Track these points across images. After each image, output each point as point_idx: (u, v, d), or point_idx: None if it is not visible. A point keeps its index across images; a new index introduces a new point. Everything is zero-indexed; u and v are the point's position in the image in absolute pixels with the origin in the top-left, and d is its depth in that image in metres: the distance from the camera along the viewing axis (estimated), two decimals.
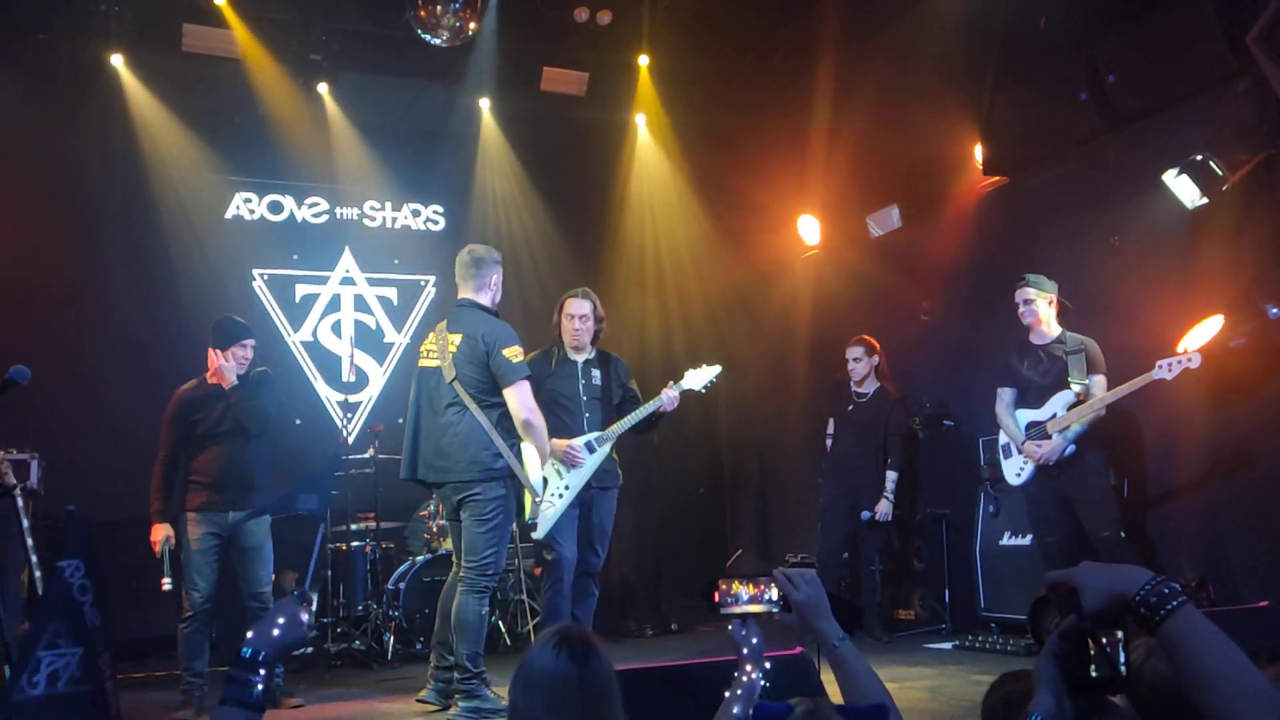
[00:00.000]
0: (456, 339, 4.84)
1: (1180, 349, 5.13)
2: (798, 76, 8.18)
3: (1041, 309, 5.54)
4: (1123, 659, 1.47)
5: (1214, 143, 5.16)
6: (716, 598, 2.15)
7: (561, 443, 5.39)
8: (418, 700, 4.92)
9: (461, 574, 4.80)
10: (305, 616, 1.86)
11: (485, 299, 4.98)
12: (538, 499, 5.12)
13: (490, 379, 4.75)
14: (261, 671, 1.76)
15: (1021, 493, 5.76)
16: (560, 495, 5.42)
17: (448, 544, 6.97)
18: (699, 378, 5.69)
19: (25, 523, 3.80)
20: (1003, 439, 5.83)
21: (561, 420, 5.49)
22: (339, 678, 6.19)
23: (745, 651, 2.14)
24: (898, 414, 6.88)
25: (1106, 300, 5.86)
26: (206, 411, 5.26)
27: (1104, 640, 1.46)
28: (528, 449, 4.92)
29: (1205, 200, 5.20)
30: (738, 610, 2.15)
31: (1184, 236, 5.52)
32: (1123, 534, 5.32)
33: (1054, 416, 5.45)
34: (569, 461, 5.43)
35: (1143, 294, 5.73)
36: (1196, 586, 5.41)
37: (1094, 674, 1.46)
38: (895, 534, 7.02)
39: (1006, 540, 6.35)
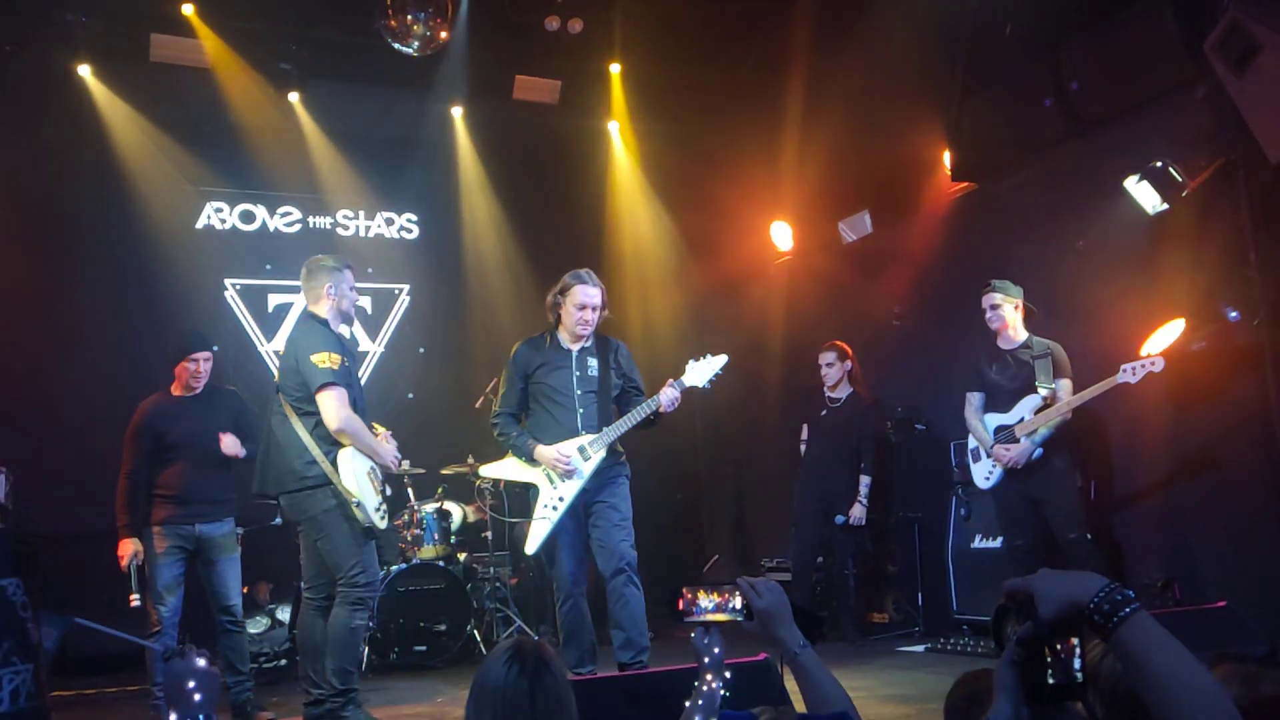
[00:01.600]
0: (283, 349, 4.87)
1: (1143, 353, 5.20)
2: (769, 83, 8.23)
3: (1008, 314, 5.61)
4: (1078, 665, 1.48)
5: (1173, 149, 5.24)
6: (680, 605, 2.17)
7: (550, 451, 4.90)
8: None
9: (337, 589, 4.58)
10: (200, 662, 1.73)
11: (322, 308, 4.76)
12: (353, 501, 4.54)
13: (305, 387, 4.56)
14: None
15: (991, 496, 5.81)
16: (554, 508, 4.91)
17: (423, 553, 6.97)
18: (702, 372, 5.05)
19: None
20: (972, 443, 5.89)
21: (553, 417, 4.99)
22: None
23: (706, 660, 2.15)
24: (871, 418, 6.93)
25: (1071, 304, 5.92)
26: (171, 424, 5.22)
27: (1060, 647, 1.48)
28: (347, 456, 4.58)
29: (1165, 206, 5.27)
30: (701, 619, 2.16)
31: (1146, 241, 5.60)
32: (1089, 536, 5.38)
33: (1021, 420, 5.51)
34: (560, 470, 4.91)
35: (1106, 298, 5.80)
36: (1162, 586, 5.48)
37: (1050, 680, 1.48)
38: (868, 538, 7.07)
39: (978, 543, 6.41)
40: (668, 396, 4.89)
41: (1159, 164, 5.16)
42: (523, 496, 6.51)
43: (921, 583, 6.87)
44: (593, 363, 5.11)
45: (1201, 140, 5.27)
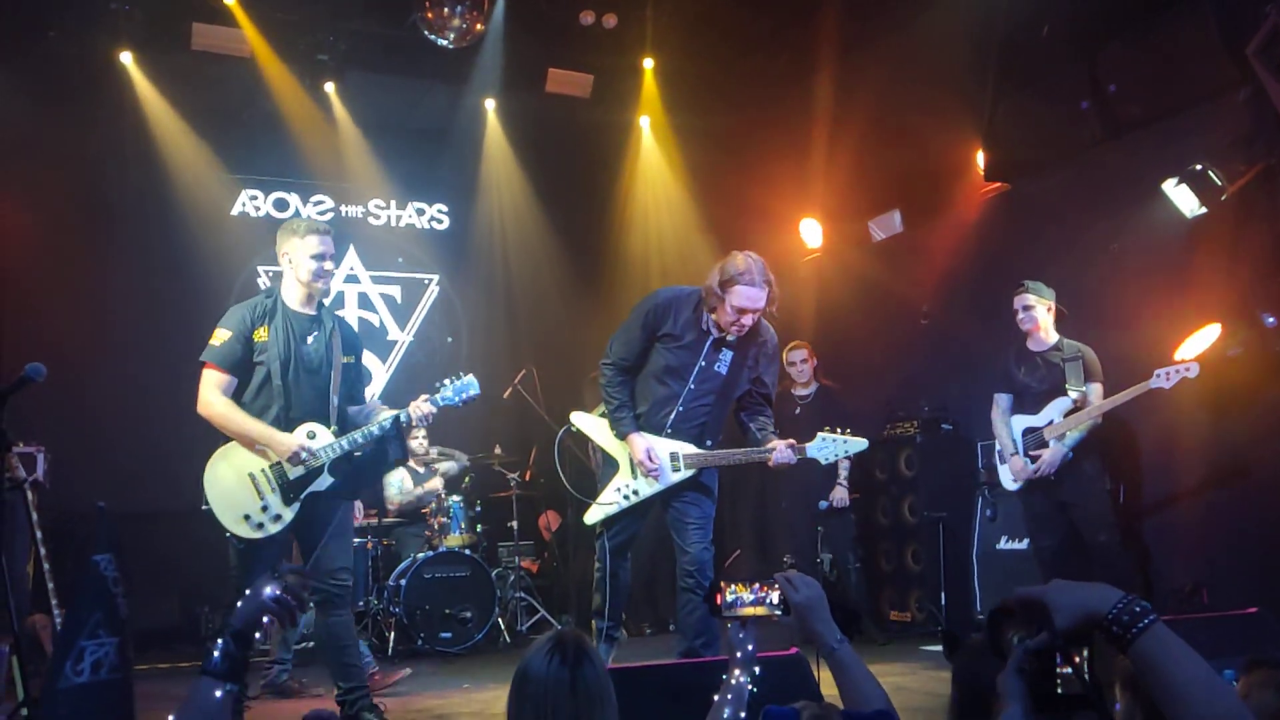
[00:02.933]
0: None
1: (1178, 358, 5.17)
2: (801, 80, 8.22)
3: (1040, 315, 5.57)
4: (1088, 676, 1.48)
5: (1213, 153, 5.21)
6: (719, 600, 2.19)
7: (640, 445, 4.44)
8: None
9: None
10: (268, 589, 1.91)
11: (283, 278, 4.37)
12: (204, 508, 4.22)
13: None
14: (220, 640, 1.83)
15: (1018, 498, 5.80)
16: (626, 498, 4.54)
17: (449, 540, 7.04)
18: (828, 450, 4.53)
19: (34, 515, 3.86)
20: (999, 444, 5.87)
21: (654, 395, 4.51)
22: None
23: (738, 655, 2.16)
24: (844, 404, 7.00)
25: (1105, 308, 5.90)
26: None
27: (1073, 658, 1.47)
28: (223, 453, 4.24)
29: (1204, 210, 5.24)
30: (740, 612, 2.18)
31: (1182, 245, 5.56)
32: (1119, 539, 5.36)
33: (1051, 423, 5.49)
34: (643, 470, 4.49)
35: (1141, 302, 5.77)
36: (1190, 592, 5.45)
37: (1061, 691, 1.48)
38: (855, 523, 7.06)
39: (1003, 544, 6.40)
40: (782, 455, 4.40)
41: (1198, 167, 5.13)
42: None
43: (945, 582, 6.85)
44: (726, 356, 4.48)
45: (1241, 145, 5.24)
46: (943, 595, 6.85)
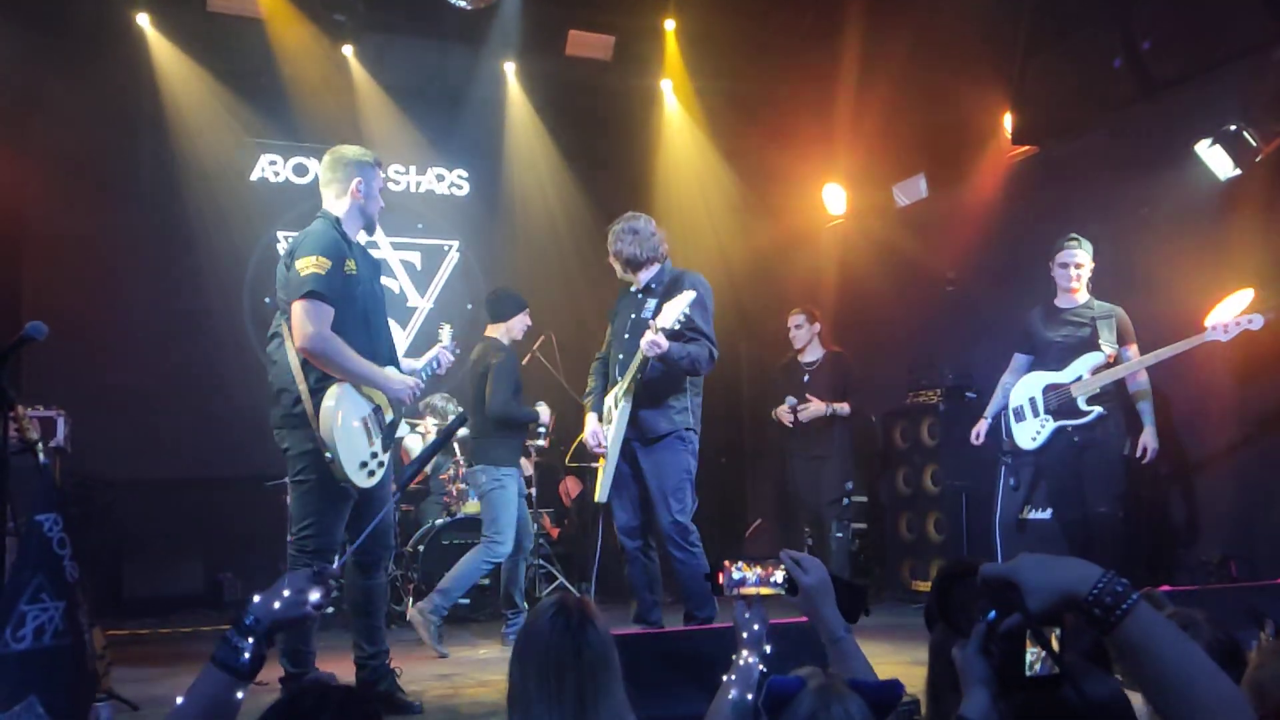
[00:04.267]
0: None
1: (1209, 323, 5.01)
2: (825, 42, 8.06)
3: (1085, 274, 5.37)
4: (1057, 656, 1.38)
5: (1248, 112, 5.04)
6: (720, 578, 2.13)
7: (587, 427, 4.86)
8: None
9: (289, 551, 4.02)
10: (315, 595, 1.82)
11: (340, 206, 4.04)
12: (327, 455, 3.82)
13: None
14: (252, 639, 1.73)
15: (1034, 457, 5.61)
16: (605, 454, 4.75)
17: (467, 507, 7.02)
18: (669, 313, 4.45)
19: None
20: (1014, 402, 5.65)
21: (613, 364, 4.87)
22: None
23: (745, 636, 2.11)
24: (854, 370, 6.94)
25: (1135, 272, 5.76)
26: None
27: (1045, 638, 1.37)
28: (334, 396, 3.82)
29: (1238, 171, 5.09)
30: (742, 591, 2.13)
31: (1215, 208, 5.42)
32: (1121, 514, 5.20)
33: (1080, 379, 5.32)
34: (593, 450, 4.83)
35: (1172, 266, 5.63)
36: (1219, 563, 5.36)
37: (1030, 673, 1.38)
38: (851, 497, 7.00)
39: (1027, 514, 6.30)
40: (646, 340, 4.41)
41: (1233, 128, 4.98)
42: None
43: (967, 552, 6.78)
44: (651, 305, 4.67)
45: (1277, 105, 5.07)
46: None
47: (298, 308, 3.75)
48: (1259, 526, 5.34)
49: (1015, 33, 6.55)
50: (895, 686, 1.72)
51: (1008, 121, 6.76)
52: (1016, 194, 6.92)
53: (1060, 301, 5.48)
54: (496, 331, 6.22)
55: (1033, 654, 1.37)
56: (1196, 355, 5.03)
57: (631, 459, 4.67)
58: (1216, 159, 5.14)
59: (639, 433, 4.62)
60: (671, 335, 4.45)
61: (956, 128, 7.25)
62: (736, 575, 2.11)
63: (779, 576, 2.09)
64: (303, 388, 3.81)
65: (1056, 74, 6.35)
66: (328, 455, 3.79)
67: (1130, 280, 5.71)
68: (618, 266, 4.92)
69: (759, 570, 2.10)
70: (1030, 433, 5.55)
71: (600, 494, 4.73)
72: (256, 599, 1.78)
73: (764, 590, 2.10)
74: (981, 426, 5.70)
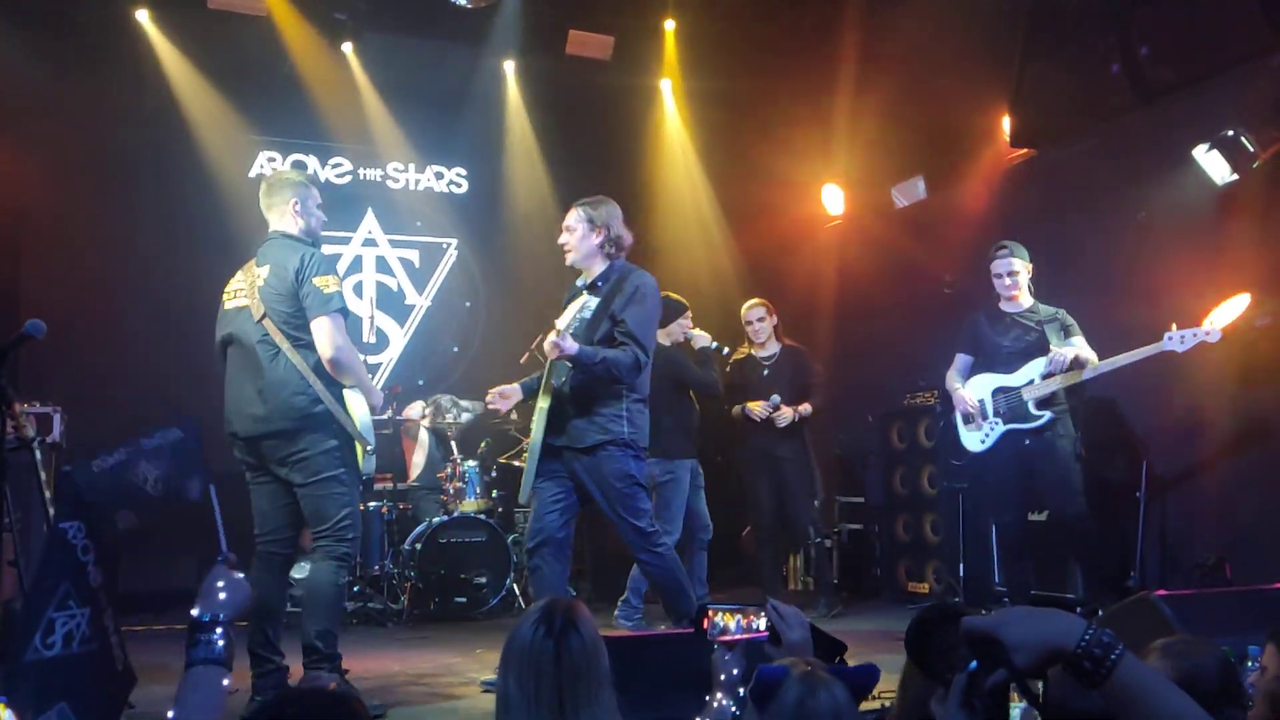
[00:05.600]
0: (264, 272, 4.23)
1: (1204, 326, 5.03)
2: (825, 42, 8.08)
3: (1023, 280, 5.42)
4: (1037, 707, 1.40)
5: (1245, 120, 5.06)
6: (705, 625, 2.15)
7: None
8: None
9: (317, 543, 4.17)
10: (240, 575, 1.95)
11: (294, 227, 4.33)
12: (369, 449, 4.29)
13: (303, 314, 4.13)
14: (219, 630, 1.83)
15: (985, 459, 5.54)
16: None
17: (465, 506, 7.03)
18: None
19: (43, 476, 3.86)
20: (961, 406, 5.64)
21: None
22: (355, 636, 6.26)
23: (722, 678, 2.13)
24: (811, 363, 6.81)
25: (1131, 277, 5.79)
26: None
27: (1029, 690, 1.38)
28: (355, 396, 4.27)
29: (1235, 176, 5.11)
30: (725, 640, 2.14)
31: (1212, 213, 5.44)
32: (1085, 511, 5.21)
33: (1031, 383, 5.31)
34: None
35: (1168, 271, 5.65)
36: (1213, 566, 5.37)
37: None
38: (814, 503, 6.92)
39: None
40: (548, 341, 4.27)
41: (1230, 133, 5.00)
42: None
43: (964, 553, 6.79)
44: (593, 303, 4.50)
45: (1275, 111, 5.10)
46: (961, 566, 6.80)
47: (327, 322, 4.10)
48: (1254, 529, 5.36)
49: (1014, 36, 6.56)
50: (871, 671, 1.75)
51: (1006, 124, 6.77)
52: (1014, 197, 6.94)
53: (1005, 306, 5.49)
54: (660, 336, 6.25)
55: (1016, 708, 1.37)
56: (1193, 358, 5.05)
57: (571, 470, 4.42)
58: (1214, 164, 5.17)
59: (570, 440, 4.40)
60: (603, 338, 4.36)
61: (955, 130, 7.26)
62: (719, 624, 2.13)
63: (761, 624, 2.10)
64: (323, 391, 4.10)
65: (1055, 78, 6.36)
66: (369, 448, 4.22)
67: (1127, 285, 5.74)
68: (587, 247, 4.54)
69: (742, 619, 2.12)
70: (980, 436, 5.52)
71: (521, 494, 4.61)
72: (199, 606, 1.87)
73: (745, 636, 2.13)
74: (962, 399, 5.58)
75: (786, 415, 6.56)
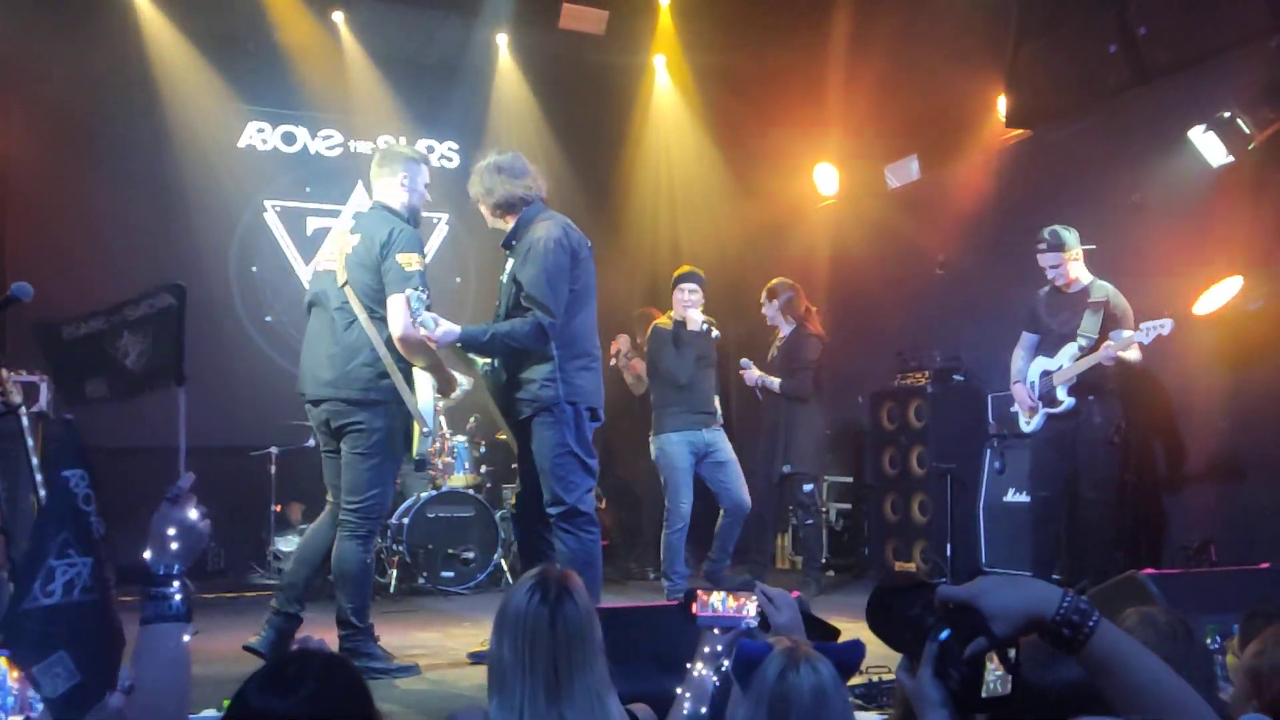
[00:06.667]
0: (354, 240, 4.27)
1: (1197, 311, 5.06)
2: (819, 19, 8.02)
3: (1070, 267, 5.38)
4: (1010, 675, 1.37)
5: (1242, 101, 5.05)
6: (694, 609, 2.14)
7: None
8: (244, 648, 4.20)
9: (342, 516, 4.23)
10: (191, 514, 1.80)
11: (395, 200, 4.37)
12: (425, 430, 4.31)
13: (383, 287, 4.16)
14: (176, 584, 1.74)
15: (1030, 439, 5.70)
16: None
17: (453, 480, 7.02)
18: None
19: (30, 442, 3.83)
20: (1016, 397, 5.70)
21: None
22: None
23: (706, 650, 2.13)
24: (805, 347, 6.61)
25: (1125, 258, 5.78)
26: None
27: (1005, 657, 1.36)
28: (425, 377, 4.32)
29: (1230, 158, 5.10)
30: (714, 622, 2.13)
31: (1206, 196, 5.44)
32: (1107, 499, 5.27)
33: (1061, 368, 5.37)
34: None
35: (1162, 253, 5.65)
36: (1198, 548, 5.40)
37: (987, 693, 1.36)
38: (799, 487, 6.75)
39: (1010, 497, 6.35)
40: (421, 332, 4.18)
41: (1227, 114, 4.98)
42: None
43: (951, 534, 6.82)
44: (509, 265, 4.42)
45: (1272, 93, 5.08)
46: (949, 547, 6.82)
47: (401, 300, 4.09)
48: (1239, 511, 5.40)
49: (1009, 16, 6.52)
50: (857, 647, 1.74)
51: (1001, 104, 6.74)
52: (1009, 178, 6.92)
53: (1065, 287, 5.48)
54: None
55: (990, 674, 1.36)
56: (1184, 341, 5.08)
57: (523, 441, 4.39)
58: (1210, 146, 5.15)
59: (509, 415, 4.39)
60: (511, 309, 4.28)
61: (949, 110, 7.23)
62: (710, 611, 2.12)
63: (751, 608, 2.09)
64: (392, 366, 4.15)
65: (1051, 58, 6.33)
66: (425, 430, 4.27)
67: (1121, 266, 5.72)
68: (487, 211, 4.51)
69: (731, 601, 2.11)
70: (1027, 415, 5.64)
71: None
72: (150, 554, 1.76)
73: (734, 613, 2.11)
74: (1020, 392, 5.59)
75: (749, 377, 6.67)
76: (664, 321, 6.23)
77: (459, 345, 4.28)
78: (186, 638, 1.73)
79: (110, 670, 1.76)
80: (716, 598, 2.13)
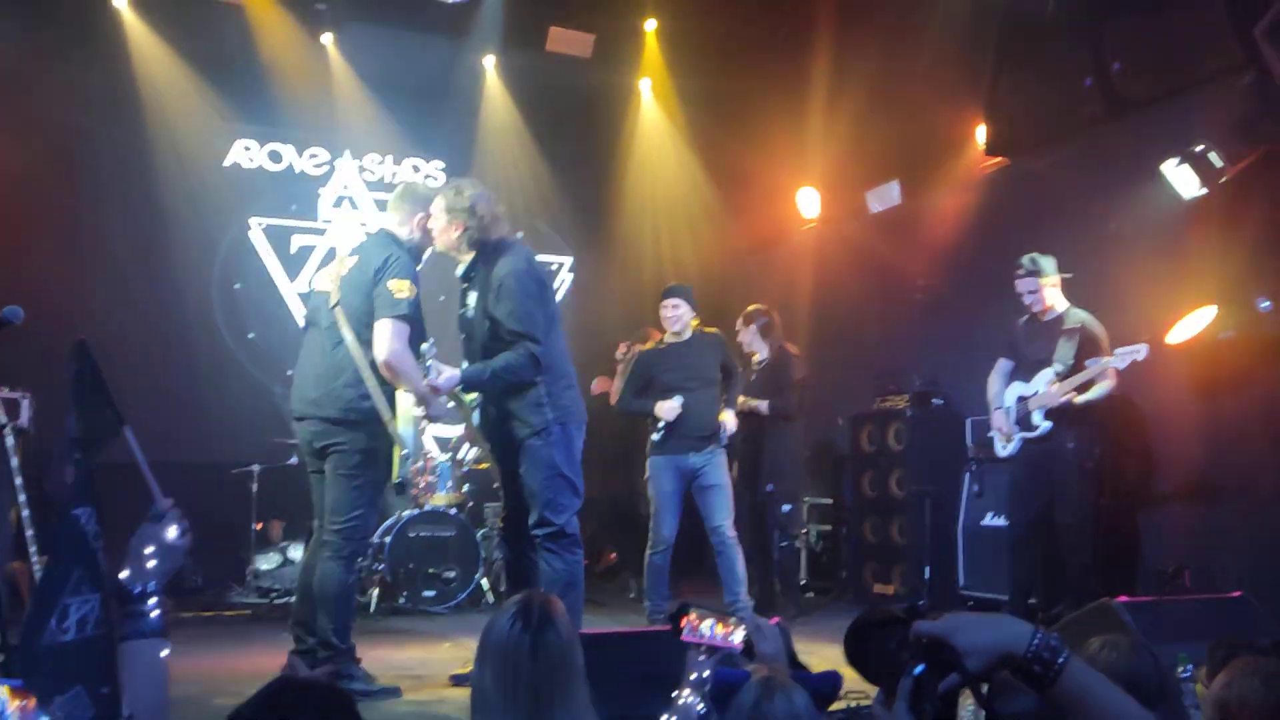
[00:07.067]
0: (351, 262, 4.36)
1: (1170, 340, 5.15)
2: (803, 46, 8.12)
3: (1048, 295, 5.47)
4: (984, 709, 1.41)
5: (1214, 136, 5.16)
6: (684, 624, 2.16)
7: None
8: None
9: (325, 537, 4.26)
10: (172, 535, 1.82)
11: (403, 231, 4.45)
12: (405, 452, 4.29)
13: (372, 311, 4.21)
14: (152, 600, 1.76)
15: (1007, 467, 5.76)
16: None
17: (435, 500, 7.03)
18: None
19: (14, 461, 3.83)
20: (993, 423, 5.76)
21: None
22: None
23: (693, 677, 2.14)
24: (789, 370, 6.61)
25: (1100, 287, 5.86)
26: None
27: (978, 692, 1.40)
28: (408, 400, 4.30)
29: (1204, 191, 5.20)
30: (700, 644, 2.15)
31: (1180, 227, 5.54)
32: (1086, 526, 5.32)
33: (1036, 393, 5.45)
34: None
35: (1136, 282, 5.74)
36: (1173, 574, 5.47)
37: None
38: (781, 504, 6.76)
39: (989, 520, 6.41)
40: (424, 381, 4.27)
41: (1200, 148, 5.09)
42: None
43: (930, 556, 6.87)
44: (472, 301, 4.43)
45: (1243, 128, 5.20)
46: (927, 569, 6.88)
47: (388, 324, 4.16)
48: (1214, 537, 5.47)
49: (987, 47, 6.64)
50: (834, 677, 1.78)
51: (981, 133, 6.85)
52: (988, 205, 7.02)
53: (1043, 315, 5.57)
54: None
55: (964, 710, 1.41)
56: (1157, 369, 5.16)
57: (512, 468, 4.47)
58: (1183, 179, 5.26)
59: (495, 439, 4.49)
60: (490, 343, 4.31)
61: (930, 137, 7.33)
62: (703, 629, 2.13)
63: (738, 636, 2.12)
64: (374, 388, 4.18)
65: (1028, 90, 6.45)
66: (404, 452, 4.23)
67: (1096, 296, 5.81)
68: (446, 240, 4.44)
69: (720, 627, 2.14)
70: (1003, 440, 5.69)
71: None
72: (128, 573, 1.78)
73: (719, 644, 2.13)
74: (999, 419, 5.64)
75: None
76: (649, 346, 6.21)
77: (460, 388, 4.31)
78: (164, 654, 1.75)
79: (117, 703, 1.79)
80: (706, 624, 2.16)
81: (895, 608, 1.50)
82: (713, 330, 6.06)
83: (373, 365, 4.20)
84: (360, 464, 4.25)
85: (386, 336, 4.16)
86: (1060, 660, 1.32)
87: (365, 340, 4.22)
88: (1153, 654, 2.04)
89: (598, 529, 8.24)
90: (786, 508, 6.69)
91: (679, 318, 5.89)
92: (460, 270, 4.49)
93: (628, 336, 7.48)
